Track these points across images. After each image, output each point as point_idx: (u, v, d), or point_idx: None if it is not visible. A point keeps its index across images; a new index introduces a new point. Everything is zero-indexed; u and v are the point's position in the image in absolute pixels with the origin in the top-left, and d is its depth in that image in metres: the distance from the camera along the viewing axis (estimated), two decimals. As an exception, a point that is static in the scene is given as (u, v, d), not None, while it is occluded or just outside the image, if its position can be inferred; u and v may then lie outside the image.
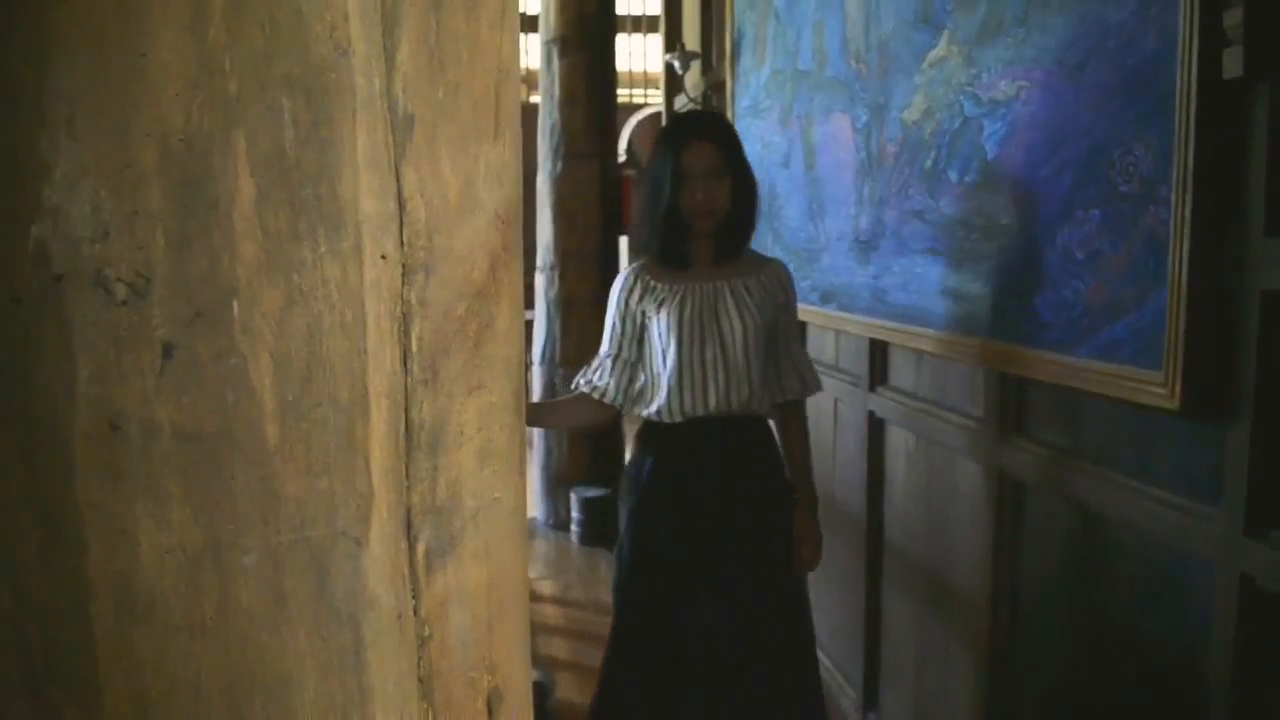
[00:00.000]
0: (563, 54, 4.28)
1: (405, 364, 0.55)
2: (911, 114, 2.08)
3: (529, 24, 5.79)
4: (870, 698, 2.52)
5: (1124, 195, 1.42)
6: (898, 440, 2.35)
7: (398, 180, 0.53)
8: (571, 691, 2.94)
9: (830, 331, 2.74)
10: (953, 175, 1.91)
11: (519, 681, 0.66)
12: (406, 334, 0.54)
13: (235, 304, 0.48)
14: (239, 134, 0.48)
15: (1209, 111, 1.25)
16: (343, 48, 0.51)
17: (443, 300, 0.56)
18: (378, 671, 0.55)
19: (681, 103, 4.86)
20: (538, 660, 3.10)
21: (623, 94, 4.70)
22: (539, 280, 4.52)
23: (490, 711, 0.62)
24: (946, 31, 1.91)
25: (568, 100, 4.29)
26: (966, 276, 1.88)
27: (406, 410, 0.55)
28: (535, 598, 3.61)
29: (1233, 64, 1.22)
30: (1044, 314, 1.62)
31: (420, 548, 0.56)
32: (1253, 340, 1.24)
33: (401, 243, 0.54)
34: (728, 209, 1.96)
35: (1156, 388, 1.34)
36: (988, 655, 1.92)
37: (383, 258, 0.53)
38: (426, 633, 0.57)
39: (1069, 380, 1.56)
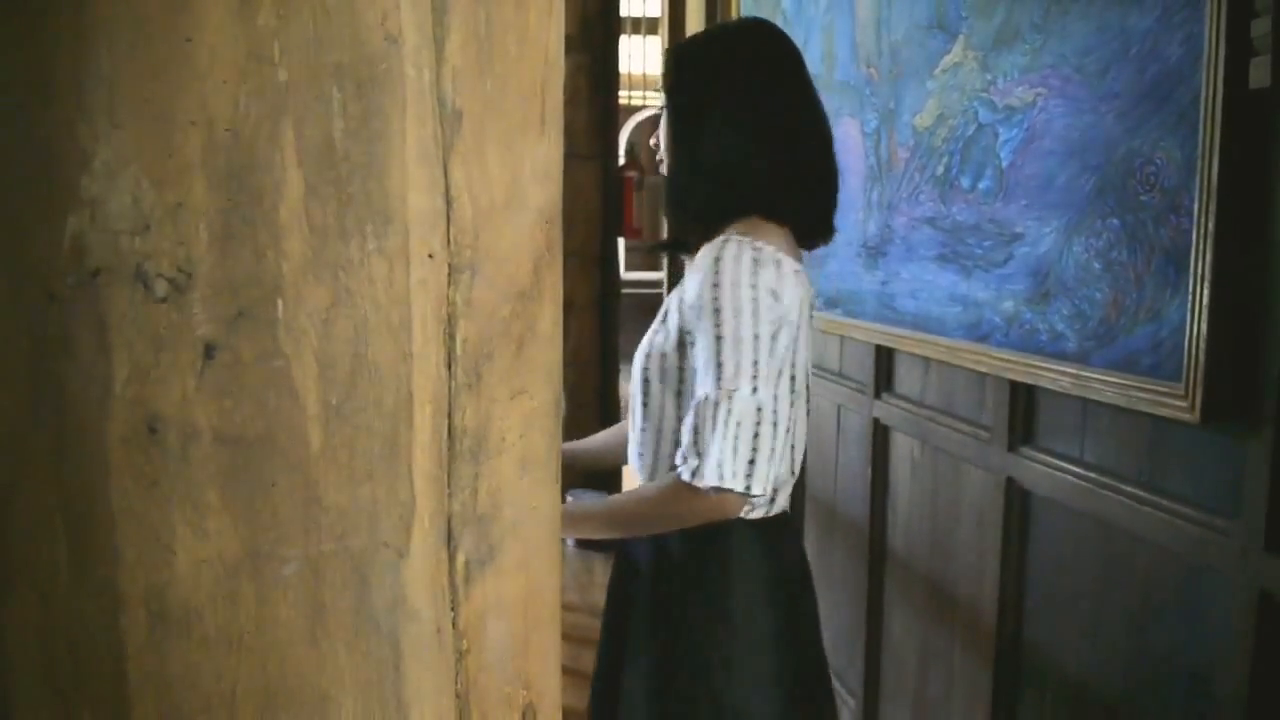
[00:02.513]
0: (565, 53, 4.26)
1: (449, 367, 0.53)
2: (924, 119, 2.07)
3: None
4: (870, 707, 2.51)
5: (1144, 204, 1.40)
6: (903, 447, 2.33)
7: (445, 176, 0.51)
8: (568, 696, 2.91)
9: (835, 337, 2.72)
10: (965, 182, 1.89)
11: (553, 696, 0.64)
12: (451, 336, 0.52)
13: (280, 302, 0.46)
14: (287, 124, 0.46)
15: (1234, 121, 1.24)
16: (393, 37, 0.48)
17: (488, 301, 0.54)
18: (416, 687, 0.52)
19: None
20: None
21: (621, 95, 4.70)
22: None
23: (526, 728, 0.60)
24: (961, 37, 1.89)
25: (570, 100, 4.26)
26: (978, 284, 1.86)
27: (450, 415, 0.53)
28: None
29: (1260, 74, 1.21)
30: (1059, 323, 1.60)
31: (460, 558, 0.54)
32: (1275, 351, 1.23)
33: (448, 241, 0.52)
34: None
35: (1176, 399, 1.32)
36: (992, 668, 1.90)
37: (429, 256, 0.51)
38: (464, 646, 0.55)
39: (1084, 391, 1.54)
